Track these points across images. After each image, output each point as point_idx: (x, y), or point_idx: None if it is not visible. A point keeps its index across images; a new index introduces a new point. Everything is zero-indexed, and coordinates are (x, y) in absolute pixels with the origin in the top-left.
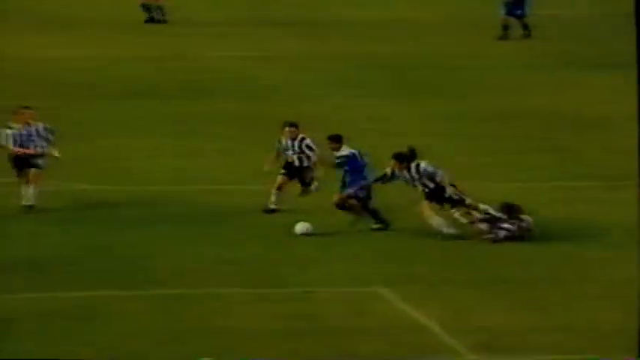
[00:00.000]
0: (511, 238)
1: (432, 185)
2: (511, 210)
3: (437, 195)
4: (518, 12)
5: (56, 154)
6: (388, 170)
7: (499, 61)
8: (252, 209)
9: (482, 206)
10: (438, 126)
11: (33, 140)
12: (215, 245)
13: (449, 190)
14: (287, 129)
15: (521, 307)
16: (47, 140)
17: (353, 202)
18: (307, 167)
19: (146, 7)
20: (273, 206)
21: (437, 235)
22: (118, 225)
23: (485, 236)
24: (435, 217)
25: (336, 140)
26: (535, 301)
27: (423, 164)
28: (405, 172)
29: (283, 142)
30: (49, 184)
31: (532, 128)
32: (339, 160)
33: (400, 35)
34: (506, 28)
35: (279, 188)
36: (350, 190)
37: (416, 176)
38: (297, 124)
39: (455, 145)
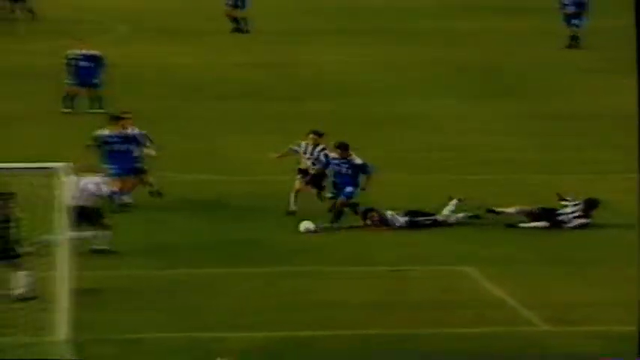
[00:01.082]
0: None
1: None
2: (591, 205)
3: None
4: (574, 22)
5: (153, 153)
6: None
7: (566, 66)
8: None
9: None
10: (513, 124)
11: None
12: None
13: None
14: (310, 136)
15: (588, 284)
16: (143, 144)
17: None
18: (321, 174)
19: (233, 19)
20: (293, 208)
21: None
22: (232, 212)
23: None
24: None
25: (345, 148)
26: (601, 280)
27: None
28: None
29: (303, 146)
30: (170, 175)
31: (596, 127)
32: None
33: (483, 43)
34: (575, 38)
35: (297, 192)
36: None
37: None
38: (320, 133)
39: (527, 142)
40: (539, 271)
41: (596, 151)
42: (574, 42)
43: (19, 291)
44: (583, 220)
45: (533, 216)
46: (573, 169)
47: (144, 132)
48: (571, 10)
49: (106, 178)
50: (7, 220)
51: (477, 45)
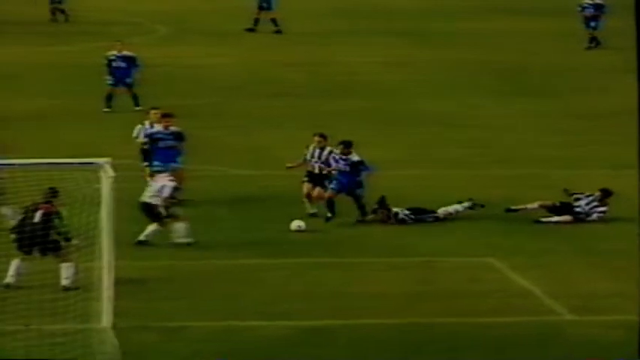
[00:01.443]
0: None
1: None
2: (606, 194)
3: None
4: (592, 24)
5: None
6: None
7: (586, 66)
8: (380, 189)
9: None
10: (536, 122)
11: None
12: (351, 220)
13: None
14: (316, 138)
15: (611, 275)
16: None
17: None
18: (327, 175)
19: (257, 21)
20: (312, 210)
21: None
22: (266, 205)
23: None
24: None
25: (348, 146)
26: (623, 271)
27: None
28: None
29: (310, 149)
30: (210, 169)
31: (616, 124)
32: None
33: (506, 44)
34: (593, 39)
35: (308, 196)
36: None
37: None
38: (325, 136)
39: (550, 139)
40: (562, 263)
41: (616, 147)
42: (593, 43)
43: (65, 282)
44: (601, 209)
45: (555, 210)
46: (594, 165)
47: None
48: (590, 12)
49: (169, 176)
50: (51, 215)
51: (500, 46)
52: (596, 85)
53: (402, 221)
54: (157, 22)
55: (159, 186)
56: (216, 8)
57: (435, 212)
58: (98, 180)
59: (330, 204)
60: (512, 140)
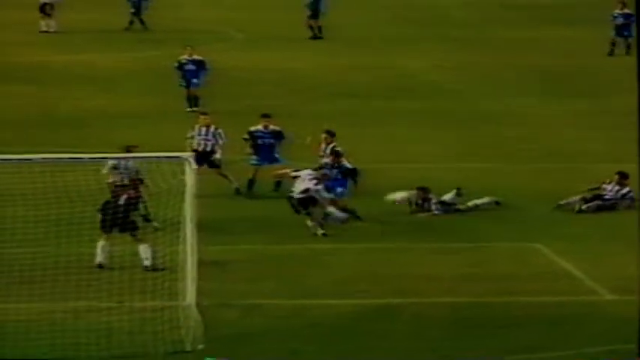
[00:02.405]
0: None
1: None
2: (623, 176)
3: None
4: (625, 33)
5: (217, 155)
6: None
7: (625, 70)
8: (438, 181)
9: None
10: (581, 120)
11: (209, 140)
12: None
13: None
14: (323, 136)
15: None
16: (217, 141)
17: None
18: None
19: (310, 27)
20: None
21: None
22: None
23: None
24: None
25: (338, 155)
26: None
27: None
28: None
29: (322, 146)
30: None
31: None
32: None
33: (552, 50)
34: (613, 44)
35: None
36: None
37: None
38: (333, 133)
39: (593, 134)
40: (601, 247)
41: None
42: (629, 49)
43: (146, 262)
44: (624, 191)
45: (591, 200)
46: (633, 159)
47: (219, 130)
48: (620, 21)
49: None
50: (135, 199)
51: (545, 51)
52: (631, 86)
53: (429, 210)
54: (235, 29)
55: (308, 187)
56: (289, 19)
57: (456, 205)
58: (183, 172)
59: (345, 210)
60: (558, 137)
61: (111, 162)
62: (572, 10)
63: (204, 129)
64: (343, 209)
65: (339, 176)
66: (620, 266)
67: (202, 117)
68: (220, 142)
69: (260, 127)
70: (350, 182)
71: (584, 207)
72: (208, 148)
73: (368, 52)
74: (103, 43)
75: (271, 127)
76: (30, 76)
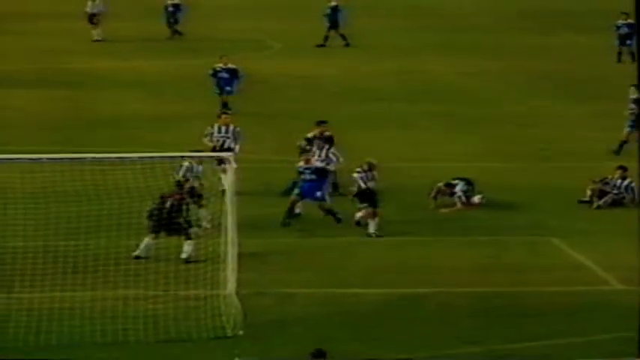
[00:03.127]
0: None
1: None
2: (625, 169)
3: None
4: (628, 42)
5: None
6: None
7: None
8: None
9: None
10: (593, 121)
11: (229, 138)
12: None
13: None
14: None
15: None
16: (236, 139)
17: None
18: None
19: (326, 37)
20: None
21: None
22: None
23: None
24: None
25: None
26: None
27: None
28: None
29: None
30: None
31: None
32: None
33: (565, 56)
34: (620, 53)
35: None
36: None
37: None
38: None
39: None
40: (612, 240)
41: None
42: (634, 57)
43: (183, 255)
44: (627, 182)
45: (600, 196)
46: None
47: (238, 129)
48: (624, 31)
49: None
50: (180, 203)
51: (560, 57)
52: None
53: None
54: (271, 38)
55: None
56: (319, 28)
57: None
58: (224, 170)
59: (329, 212)
60: (573, 137)
61: (185, 165)
62: (582, 19)
63: (224, 127)
64: (327, 211)
65: (314, 177)
66: (631, 258)
67: (224, 116)
68: (239, 140)
69: (316, 133)
70: (327, 183)
71: (600, 203)
72: (226, 145)
73: (393, 59)
74: (148, 51)
75: (326, 133)
76: (79, 80)
